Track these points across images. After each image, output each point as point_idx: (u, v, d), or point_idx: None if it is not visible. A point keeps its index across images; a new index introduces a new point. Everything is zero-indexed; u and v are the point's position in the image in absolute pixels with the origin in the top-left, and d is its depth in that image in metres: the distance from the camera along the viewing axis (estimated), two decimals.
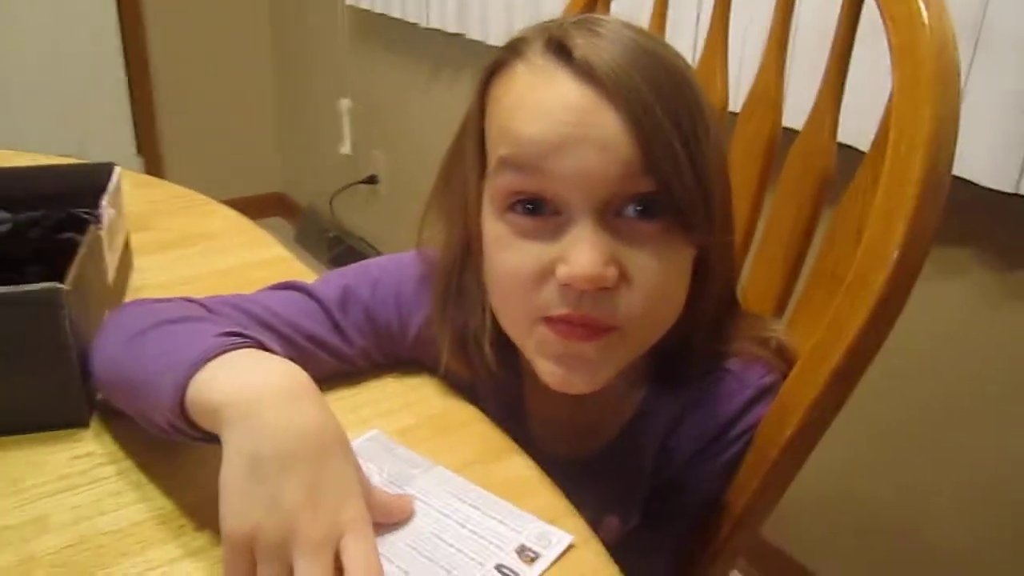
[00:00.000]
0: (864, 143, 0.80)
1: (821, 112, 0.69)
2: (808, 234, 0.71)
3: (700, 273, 0.58)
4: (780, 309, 0.74)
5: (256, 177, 3.21)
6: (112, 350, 0.59)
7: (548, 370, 0.57)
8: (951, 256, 1.19)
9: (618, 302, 0.54)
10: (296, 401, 0.48)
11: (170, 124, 2.97)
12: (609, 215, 0.53)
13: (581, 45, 0.52)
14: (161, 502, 0.54)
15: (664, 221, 0.53)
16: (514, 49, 0.56)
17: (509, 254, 0.56)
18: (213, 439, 0.49)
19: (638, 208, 0.53)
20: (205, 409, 0.49)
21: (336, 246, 2.87)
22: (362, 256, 2.73)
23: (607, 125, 0.51)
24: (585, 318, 0.54)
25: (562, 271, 0.53)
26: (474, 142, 0.59)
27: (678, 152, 0.51)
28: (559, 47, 0.54)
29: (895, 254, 0.55)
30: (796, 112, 0.76)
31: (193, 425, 0.50)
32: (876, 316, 0.56)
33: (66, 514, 0.53)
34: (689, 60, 0.59)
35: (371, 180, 2.69)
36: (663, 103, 0.51)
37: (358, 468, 0.49)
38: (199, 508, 0.54)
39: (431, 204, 0.66)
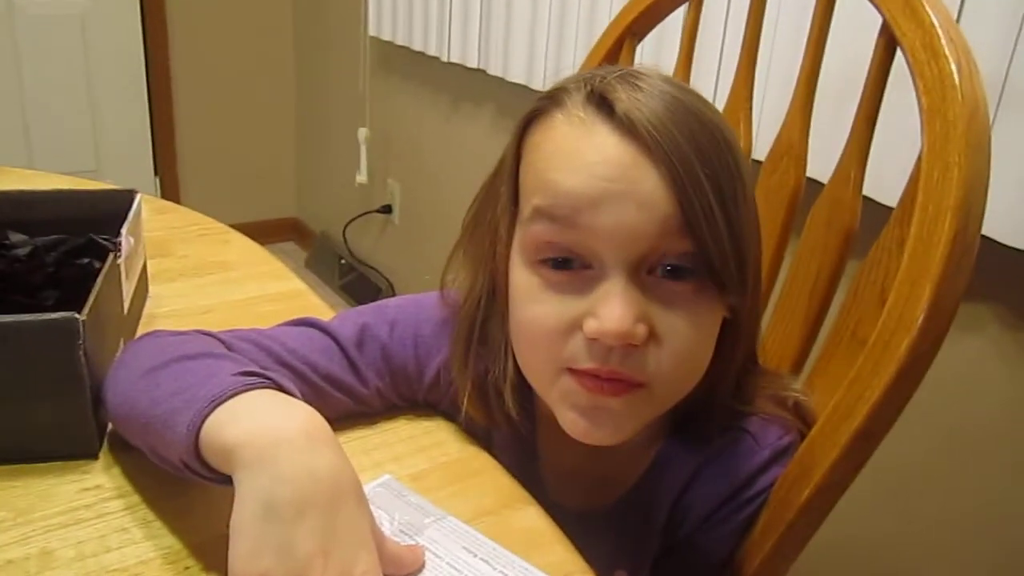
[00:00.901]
0: (887, 196, 0.80)
1: (847, 168, 0.69)
2: (830, 289, 0.71)
3: (727, 334, 0.58)
4: (799, 364, 0.73)
5: (272, 202, 3.23)
6: (127, 384, 0.58)
7: (572, 420, 0.56)
8: (968, 312, 1.18)
9: (646, 360, 0.53)
10: (313, 446, 0.48)
11: (189, 146, 3.00)
12: (642, 272, 0.53)
13: (623, 99, 0.52)
14: (168, 541, 0.54)
15: (697, 282, 0.53)
16: (554, 98, 0.56)
17: (537, 305, 0.55)
18: (226, 480, 0.48)
19: (672, 267, 0.53)
20: (220, 450, 0.48)
21: (347, 273, 2.88)
22: (372, 284, 2.74)
23: (646, 181, 0.51)
24: (613, 373, 0.53)
25: (591, 325, 0.52)
26: (508, 188, 0.58)
27: (716, 213, 0.51)
28: (601, 100, 0.53)
29: (920, 319, 0.54)
30: (820, 162, 0.76)
31: (207, 465, 0.49)
32: (899, 380, 0.56)
33: (71, 549, 0.52)
34: None
35: (386, 210, 2.70)
36: (703, 162, 0.51)
37: (371, 518, 0.48)
38: (206, 549, 0.53)
39: (457, 248, 0.65)
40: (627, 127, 0.51)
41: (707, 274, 0.52)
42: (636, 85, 0.53)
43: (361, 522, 0.47)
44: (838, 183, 0.69)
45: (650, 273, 0.53)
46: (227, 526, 0.55)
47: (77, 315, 0.58)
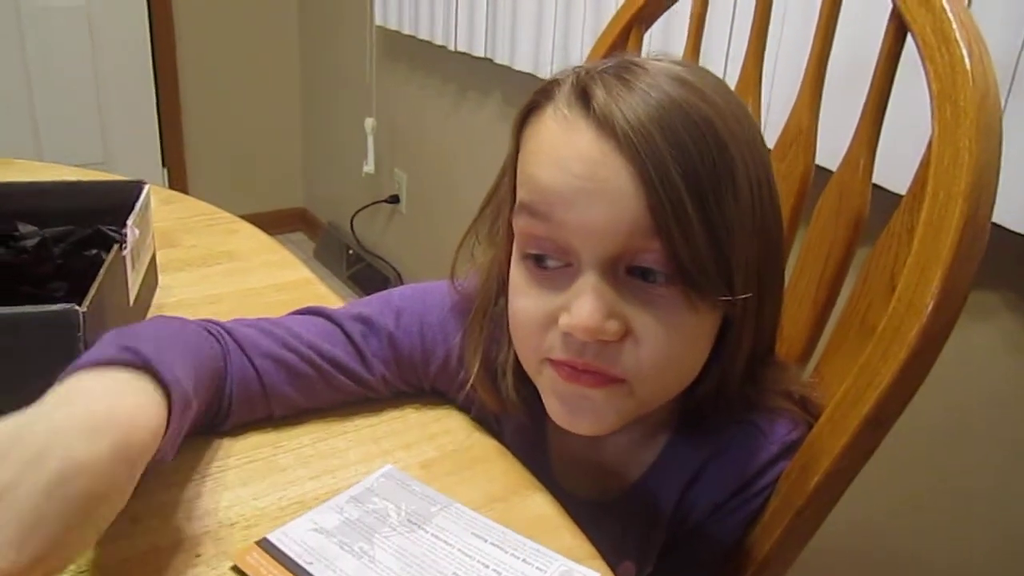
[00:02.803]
0: (896, 184, 0.79)
1: (856, 154, 0.68)
2: (839, 275, 0.70)
3: (728, 333, 0.57)
4: (808, 351, 0.73)
5: (279, 192, 3.23)
6: None
7: (555, 408, 0.58)
8: (978, 300, 1.18)
9: (623, 356, 0.53)
10: (84, 435, 0.44)
11: (196, 137, 3.00)
12: (620, 270, 0.52)
13: (601, 96, 0.51)
14: (179, 528, 0.54)
15: (672, 284, 0.52)
16: (547, 92, 0.56)
17: (522, 298, 0.56)
18: None
19: (644, 269, 0.52)
20: None
21: (355, 263, 2.88)
22: (380, 274, 2.74)
23: (618, 180, 0.50)
24: (588, 365, 0.54)
25: (563, 320, 0.53)
26: (509, 180, 0.59)
27: (691, 217, 0.49)
28: (582, 95, 0.53)
29: (930, 305, 0.54)
30: (829, 149, 0.76)
31: None
32: (909, 367, 0.55)
33: None
34: None
35: (393, 199, 2.70)
36: (683, 163, 0.49)
37: (86, 543, 0.44)
38: (220, 535, 0.53)
39: (469, 234, 0.65)
40: (604, 124, 0.50)
41: (680, 278, 0.51)
42: (624, 79, 0.52)
43: (55, 529, 0.41)
44: (847, 169, 0.69)
45: (629, 273, 0.53)
46: (237, 513, 0.55)
47: (77, 307, 0.58)
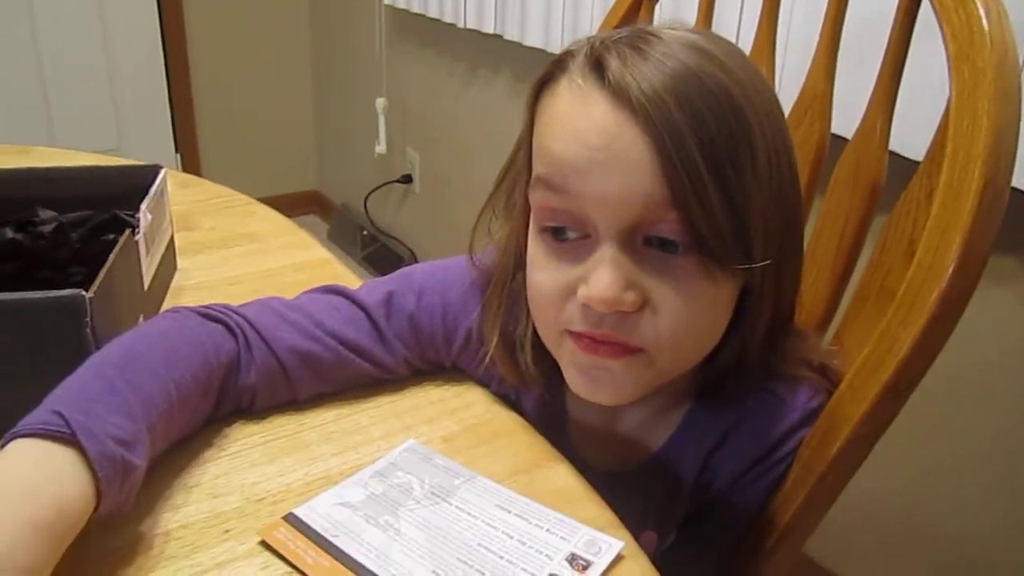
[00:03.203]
0: (912, 151, 0.78)
1: (872, 120, 0.68)
2: (857, 243, 0.70)
3: (748, 302, 0.57)
4: (827, 318, 0.73)
5: (292, 175, 3.24)
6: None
7: (574, 379, 0.58)
8: (997, 264, 1.17)
9: (641, 326, 0.53)
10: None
11: (208, 121, 3.00)
12: (637, 241, 0.52)
13: (616, 66, 0.51)
14: (208, 505, 0.55)
15: (690, 254, 0.52)
16: (561, 63, 0.55)
17: (540, 271, 0.57)
18: None
19: (662, 239, 0.52)
20: None
21: (370, 244, 2.89)
22: (394, 254, 2.75)
23: (633, 151, 0.50)
24: (606, 336, 0.54)
25: (581, 292, 0.53)
26: (525, 154, 0.59)
27: (707, 186, 0.49)
28: (597, 65, 0.52)
29: (950, 269, 0.54)
30: (844, 115, 0.75)
31: None
32: (928, 332, 0.55)
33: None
34: None
35: (406, 179, 2.70)
36: (699, 133, 0.49)
37: None
38: (246, 511, 0.54)
39: (485, 209, 0.65)
40: (619, 95, 0.50)
41: (697, 247, 0.51)
42: (639, 49, 0.51)
43: None
44: (864, 136, 0.68)
45: (646, 243, 0.53)
46: (264, 489, 0.56)
47: (84, 292, 0.58)
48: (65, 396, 0.51)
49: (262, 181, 2.93)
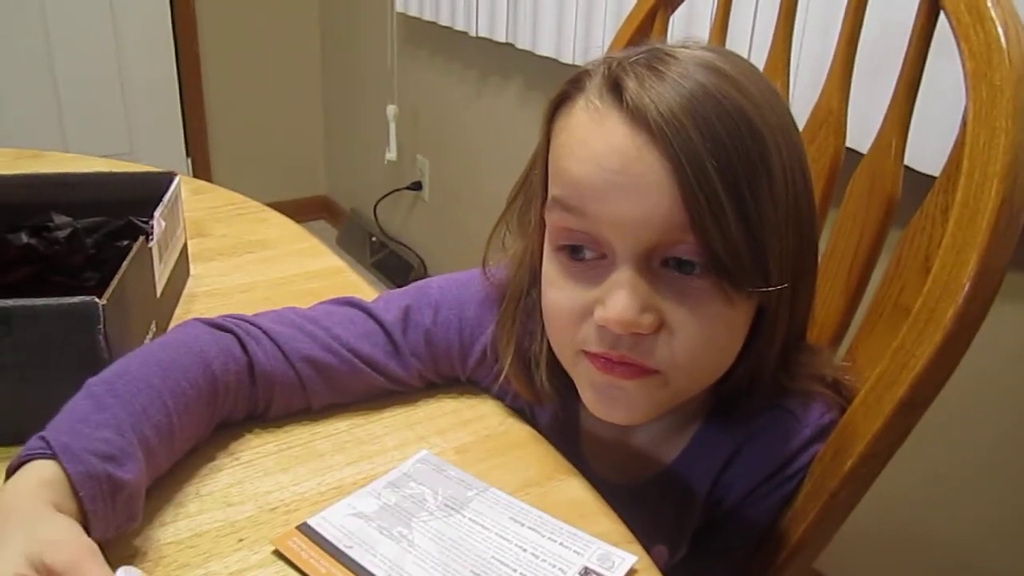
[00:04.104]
0: (927, 166, 0.78)
1: (887, 136, 0.68)
2: (871, 259, 0.70)
3: (764, 322, 0.57)
4: (840, 334, 0.72)
5: (302, 180, 3.25)
6: None
7: (590, 399, 0.58)
8: (1013, 281, 1.17)
9: (658, 348, 0.53)
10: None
11: (219, 126, 3.02)
12: (654, 263, 0.52)
13: (633, 88, 0.51)
14: (222, 514, 0.55)
15: (708, 276, 0.52)
16: (577, 83, 0.55)
17: (556, 290, 0.57)
18: None
19: (679, 260, 0.52)
20: None
21: (379, 251, 2.89)
22: (403, 261, 2.75)
23: (652, 174, 0.50)
24: (623, 357, 0.54)
25: (598, 314, 0.53)
26: (540, 172, 0.59)
27: (726, 209, 0.49)
28: (614, 87, 0.52)
29: (966, 287, 0.54)
30: (859, 131, 0.75)
31: None
32: (944, 350, 0.55)
33: None
34: None
35: (415, 186, 2.70)
36: (716, 155, 0.49)
37: None
38: (260, 520, 0.54)
39: (500, 224, 0.65)
40: (637, 116, 0.50)
41: (715, 270, 0.51)
42: (656, 69, 0.51)
43: None
44: (879, 152, 0.68)
45: (663, 265, 0.53)
46: (278, 498, 0.56)
47: (97, 299, 0.59)
48: (56, 420, 0.51)
49: (272, 186, 2.94)
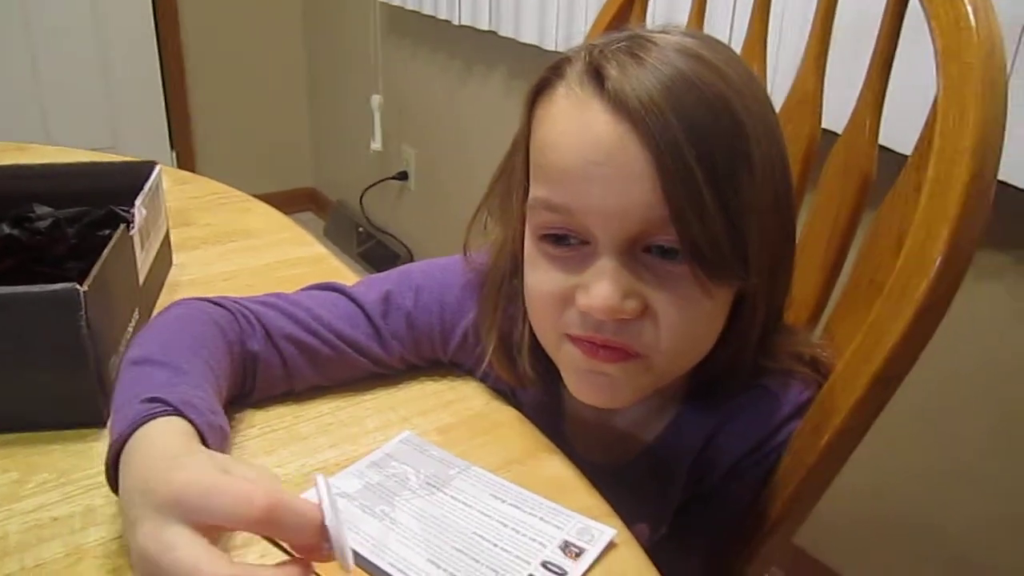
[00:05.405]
0: (903, 146, 0.79)
1: (862, 115, 0.68)
2: (847, 238, 0.71)
3: (742, 307, 0.58)
4: (817, 312, 0.73)
5: (287, 172, 3.24)
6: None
7: (573, 383, 0.59)
8: (986, 259, 1.18)
9: (641, 332, 0.54)
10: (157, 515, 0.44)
11: (204, 119, 3.00)
12: (637, 249, 0.53)
13: (614, 75, 0.51)
14: None
15: (690, 264, 0.52)
16: (558, 69, 0.56)
17: (538, 275, 0.57)
18: None
19: (662, 248, 0.53)
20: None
21: (365, 241, 2.89)
22: (390, 251, 2.75)
23: (633, 163, 0.50)
24: (608, 341, 0.55)
25: (581, 300, 0.54)
26: (521, 159, 0.59)
27: (706, 200, 0.50)
28: (595, 74, 0.52)
29: (937, 261, 0.55)
30: (834, 110, 0.76)
31: None
32: (916, 323, 0.56)
33: (113, 506, 0.54)
34: None
35: (401, 176, 2.70)
36: (697, 147, 0.49)
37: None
38: None
39: (481, 210, 0.66)
40: (617, 104, 0.50)
41: (695, 259, 0.52)
42: (637, 56, 0.51)
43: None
44: (854, 131, 0.69)
45: (646, 251, 0.53)
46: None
47: (78, 286, 0.59)
48: (140, 389, 0.52)
49: (258, 178, 2.92)
